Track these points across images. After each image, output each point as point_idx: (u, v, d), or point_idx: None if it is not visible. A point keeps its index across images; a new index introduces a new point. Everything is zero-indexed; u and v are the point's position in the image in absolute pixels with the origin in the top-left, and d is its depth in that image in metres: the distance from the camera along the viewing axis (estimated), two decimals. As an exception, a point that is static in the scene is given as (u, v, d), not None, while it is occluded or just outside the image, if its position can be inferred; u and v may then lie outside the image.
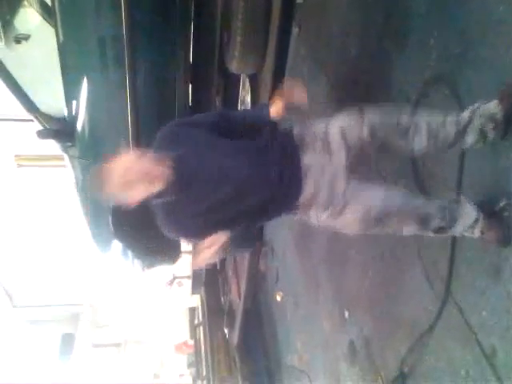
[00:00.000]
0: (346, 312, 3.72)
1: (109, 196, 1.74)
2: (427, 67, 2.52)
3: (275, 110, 1.98)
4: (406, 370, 2.83)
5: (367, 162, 2.13)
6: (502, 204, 1.98)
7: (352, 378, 3.64)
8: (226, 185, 1.84)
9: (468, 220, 1.93)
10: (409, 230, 1.96)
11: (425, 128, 1.90)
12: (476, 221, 1.93)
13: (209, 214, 1.88)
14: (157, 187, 1.75)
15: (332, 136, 1.93)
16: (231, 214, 1.89)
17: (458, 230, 1.96)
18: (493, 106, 1.87)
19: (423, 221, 1.93)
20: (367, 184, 1.95)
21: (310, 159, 1.92)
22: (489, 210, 1.98)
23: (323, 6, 3.89)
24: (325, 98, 3.87)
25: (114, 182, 1.69)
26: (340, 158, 1.91)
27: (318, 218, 1.94)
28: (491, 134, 1.90)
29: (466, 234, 1.98)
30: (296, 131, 1.99)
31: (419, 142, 1.92)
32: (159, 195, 1.80)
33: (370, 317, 3.33)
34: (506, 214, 1.97)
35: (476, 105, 1.92)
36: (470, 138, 1.91)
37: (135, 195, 1.74)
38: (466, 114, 1.91)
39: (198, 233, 1.90)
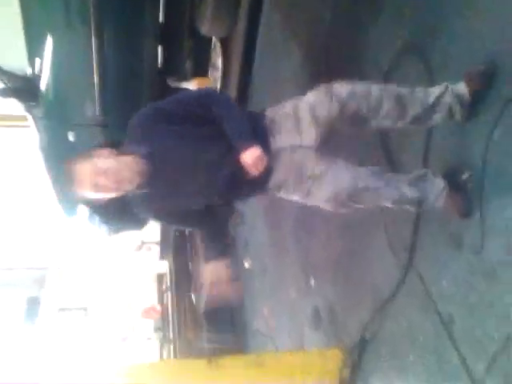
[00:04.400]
0: (311, 279, 3.78)
1: (81, 193, 1.80)
2: (401, 38, 2.50)
3: None
4: (367, 335, 2.91)
5: (338, 140, 2.13)
6: (465, 176, 2.01)
7: (316, 342, 3.72)
8: (195, 169, 1.90)
9: (435, 192, 1.96)
10: (382, 204, 2.00)
11: (394, 96, 1.90)
12: (442, 191, 1.96)
13: (181, 198, 1.98)
14: (133, 184, 1.82)
15: (302, 112, 1.92)
16: (203, 196, 1.98)
17: (430, 203, 2.00)
18: (462, 87, 1.89)
19: (396, 201, 1.97)
20: (337, 164, 1.94)
21: (279, 142, 1.92)
22: (453, 182, 2.01)
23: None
24: (297, 68, 3.81)
25: (90, 182, 1.75)
26: (310, 136, 1.92)
27: (289, 197, 1.99)
28: (458, 115, 1.93)
29: (430, 206, 2.02)
30: (267, 112, 1.98)
31: (387, 111, 1.91)
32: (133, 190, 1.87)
33: (335, 284, 3.38)
34: (469, 185, 2.01)
35: (445, 83, 1.93)
36: (439, 117, 1.93)
37: (111, 193, 1.82)
38: (436, 90, 1.92)
39: (171, 217, 2.10)
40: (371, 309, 2.83)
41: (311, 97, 1.93)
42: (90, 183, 1.75)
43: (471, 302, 2.03)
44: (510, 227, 1.82)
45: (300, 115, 1.92)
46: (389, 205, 2.00)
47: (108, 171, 1.76)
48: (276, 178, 1.93)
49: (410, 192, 1.95)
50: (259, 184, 1.96)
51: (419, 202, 1.99)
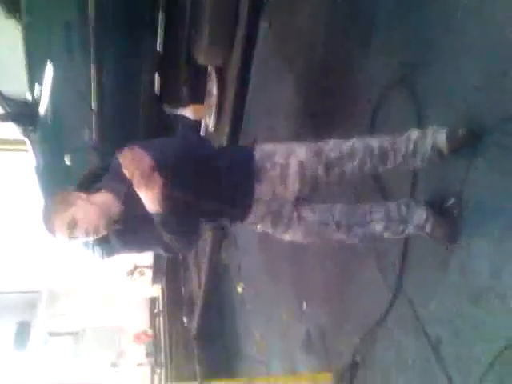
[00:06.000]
0: (303, 303, 3.81)
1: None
2: (389, 68, 2.60)
3: None
4: (358, 358, 2.94)
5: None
6: (450, 203, 2.08)
7: (307, 366, 3.74)
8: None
9: (419, 220, 2.03)
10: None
11: (377, 154, 1.97)
12: (426, 220, 2.02)
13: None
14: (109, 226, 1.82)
15: (291, 169, 1.97)
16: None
17: (410, 230, 2.06)
18: (442, 143, 1.94)
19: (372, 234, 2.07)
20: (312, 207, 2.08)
21: (262, 191, 1.99)
22: (438, 209, 2.09)
23: (293, 3, 3.93)
24: (289, 97, 3.91)
25: (66, 235, 1.77)
26: (293, 190, 2.01)
27: (266, 231, 2.12)
28: (438, 161, 2.00)
29: (417, 233, 2.08)
30: (258, 155, 2.00)
31: (371, 167, 2.00)
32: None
33: (326, 307, 3.43)
34: (454, 212, 2.08)
35: (426, 132, 1.99)
36: (419, 161, 1.99)
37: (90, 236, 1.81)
38: (416, 137, 1.97)
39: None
40: (362, 332, 2.87)
41: (302, 154, 1.99)
42: (66, 236, 1.78)
43: (458, 325, 2.09)
44: (493, 252, 1.89)
45: (289, 171, 1.97)
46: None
47: (80, 222, 1.75)
48: (253, 218, 2.03)
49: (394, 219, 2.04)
50: (236, 217, 2.05)
51: (403, 230, 2.06)
